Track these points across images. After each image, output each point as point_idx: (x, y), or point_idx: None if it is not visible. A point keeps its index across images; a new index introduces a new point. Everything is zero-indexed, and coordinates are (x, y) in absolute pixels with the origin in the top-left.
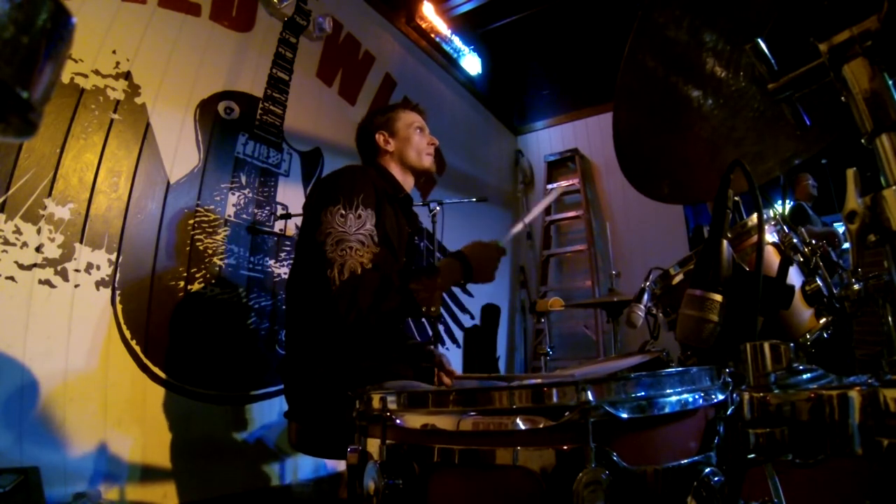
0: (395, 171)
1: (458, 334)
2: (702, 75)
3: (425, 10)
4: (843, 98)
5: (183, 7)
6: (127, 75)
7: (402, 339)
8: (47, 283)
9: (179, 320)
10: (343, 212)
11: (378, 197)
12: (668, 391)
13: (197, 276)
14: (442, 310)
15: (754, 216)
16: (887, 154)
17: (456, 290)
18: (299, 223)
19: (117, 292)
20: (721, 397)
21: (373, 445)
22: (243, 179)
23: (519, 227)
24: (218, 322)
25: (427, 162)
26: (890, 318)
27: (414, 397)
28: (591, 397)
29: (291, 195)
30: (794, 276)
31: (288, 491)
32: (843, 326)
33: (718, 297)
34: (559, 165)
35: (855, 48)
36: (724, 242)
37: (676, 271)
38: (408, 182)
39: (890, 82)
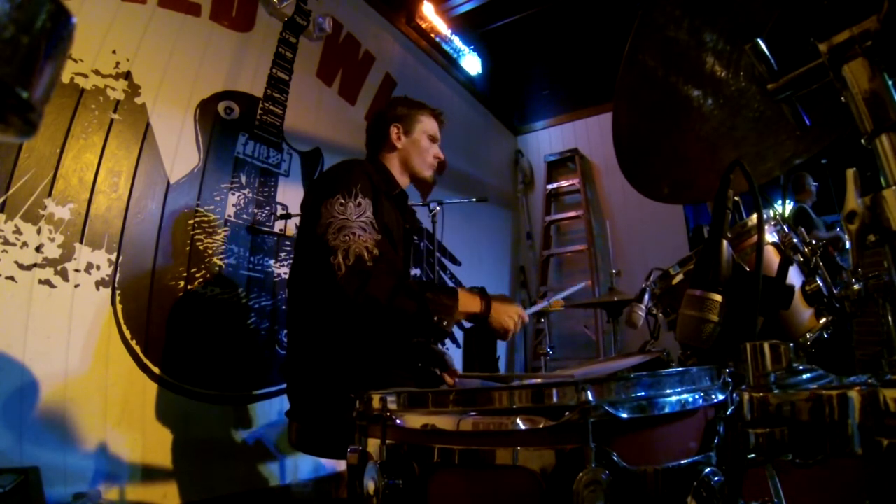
0: (395, 168)
1: (458, 334)
2: (702, 75)
3: (425, 10)
4: (843, 98)
5: (183, 7)
6: (127, 75)
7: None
8: (47, 283)
9: (179, 320)
10: (342, 201)
11: (374, 189)
12: (668, 391)
13: (197, 276)
14: None
15: (754, 216)
16: (887, 154)
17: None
18: (299, 223)
19: (117, 292)
20: (721, 397)
21: (373, 445)
22: (243, 179)
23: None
24: (218, 322)
25: (427, 172)
26: (890, 318)
27: (414, 397)
28: (591, 397)
29: (291, 195)
30: (794, 276)
31: (288, 491)
32: (843, 326)
33: (718, 297)
34: (559, 165)
35: (855, 48)
36: (724, 242)
37: (676, 271)
38: (403, 182)
39: (890, 82)
